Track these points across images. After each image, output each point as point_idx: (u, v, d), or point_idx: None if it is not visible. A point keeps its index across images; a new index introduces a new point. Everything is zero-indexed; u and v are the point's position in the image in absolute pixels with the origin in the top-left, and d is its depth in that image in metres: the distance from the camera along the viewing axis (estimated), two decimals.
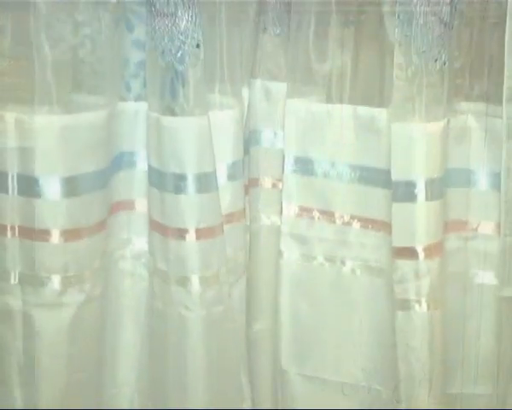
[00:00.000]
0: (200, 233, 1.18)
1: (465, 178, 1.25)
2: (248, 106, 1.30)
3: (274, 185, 1.35)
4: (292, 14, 1.26)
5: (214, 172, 1.18)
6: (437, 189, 1.17)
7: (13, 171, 1.12)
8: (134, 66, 1.23)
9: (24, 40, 1.10)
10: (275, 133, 1.34)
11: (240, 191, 1.27)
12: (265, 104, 1.33)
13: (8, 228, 1.14)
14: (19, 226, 1.13)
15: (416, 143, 1.16)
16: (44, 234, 1.12)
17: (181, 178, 1.16)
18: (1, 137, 1.11)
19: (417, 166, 1.16)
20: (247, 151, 1.31)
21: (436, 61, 1.14)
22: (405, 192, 1.17)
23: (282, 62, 1.33)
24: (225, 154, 1.22)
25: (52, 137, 1.11)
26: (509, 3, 1.13)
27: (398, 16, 1.14)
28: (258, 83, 1.32)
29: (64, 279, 1.15)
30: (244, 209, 1.29)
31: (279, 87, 1.32)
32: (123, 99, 1.22)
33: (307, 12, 1.25)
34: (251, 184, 1.34)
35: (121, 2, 1.17)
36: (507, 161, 1.18)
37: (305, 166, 1.30)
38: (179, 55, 1.14)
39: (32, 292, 1.14)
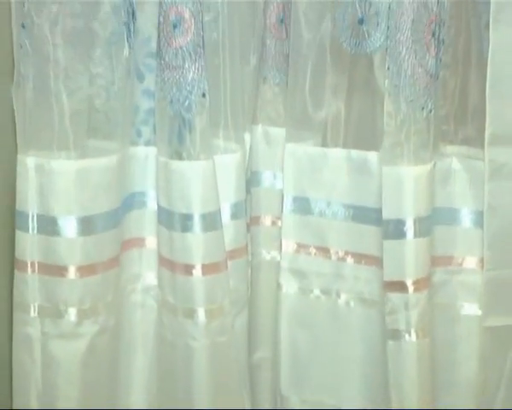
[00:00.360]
0: (205, 269, 1.20)
1: (451, 216, 1.26)
2: (250, 149, 1.32)
3: (273, 223, 1.37)
4: (290, 65, 1.29)
5: (219, 211, 1.20)
6: (425, 227, 1.19)
7: (33, 211, 1.15)
8: (144, 113, 1.26)
9: (44, 90, 1.13)
10: (274, 175, 1.36)
11: (242, 229, 1.28)
12: (266, 148, 1.36)
13: (29, 264, 1.15)
14: (38, 262, 1.15)
15: (405, 185, 1.17)
16: (62, 270, 1.15)
17: (188, 217, 1.18)
18: (23, 179, 1.14)
19: (406, 206, 1.18)
20: (248, 191, 1.33)
21: (423, 109, 1.16)
22: (395, 230, 1.18)
23: (281, 109, 1.36)
24: (229, 194, 1.24)
25: (69, 180, 1.13)
26: (489, 55, 1.16)
27: (388, 68, 1.16)
28: (259, 128, 1.35)
29: (80, 311, 1.16)
30: (246, 246, 1.30)
31: (278, 132, 1.34)
32: (134, 144, 1.25)
33: (304, 63, 1.28)
34: (252, 222, 1.36)
35: (133, 55, 1.19)
36: (489, 201, 1.20)
37: (302, 205, 1.32)
38: (186, 104, 1.16)
39: (50, 323, 1.16)
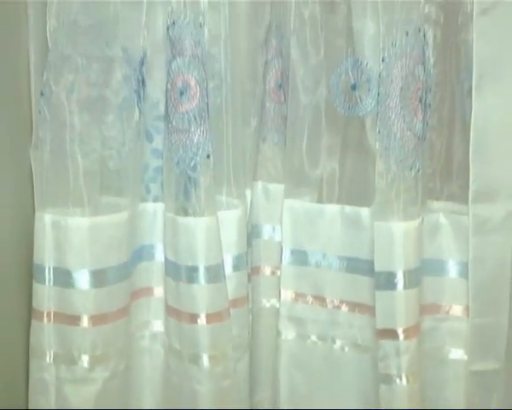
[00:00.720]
0: (209, 318, 1.21)
1: (438, 267, 1.28)
2: (251, 204, 1.34)
3: (273, 273, 1.39)
4: (288, 127, 1.32)
5: (222, 264, 1.22)
6: (414, 278, 1.20)
7: (49, 264, 1.17)
8: (153, 171, 1.29)
9: (60, 152, 1.16)
10: (273, 228, 1.38)
11: (244, 280, 1.30)
12: (265, 203, 1.38)
13: (45, 314, 1.18)
14: (54, 312, 1.18)
15: (395, 239, 1.19)
16: (75, 319, 1.17)
17: (193, 269, 1.20)
18: (40, 235, 1.17)
19: (397, 259, 1.20)
20: (249, 243, 1.34)
21: (411, 169, 1.18)
22: (386, 281, 1.20)
23: (279, 166, 1.38)
24: (231, 247, 1.26)
25: (83, 235, 1.16)
26: (472, 120, 1.19)
27: (379, 131, 1.19)
28: (259, 184, 1.38)
29: (92, 358, 1.18)
30: (247, 295, 1.32)
31: (277, 188, 1.37)
32: (143, 200, 1.28)
33: (301, 125, 1.31)
34: (253, 272, 1.38)
35: (142, 118, 1.22)
36: (473, 254, 1.22)
37: (300, 257, 1.34)
38: (192, 164, 1.19)
39: (64, 369, 1.18)
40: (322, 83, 1.29)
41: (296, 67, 1.29)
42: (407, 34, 1.16)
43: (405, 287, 1.20)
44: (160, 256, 1.28)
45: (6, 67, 1.14)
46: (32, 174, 1.17)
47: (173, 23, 1.17)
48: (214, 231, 1.21)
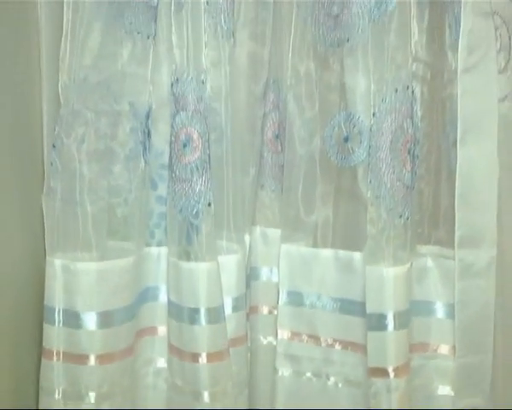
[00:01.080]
0: (210, 357, 1.21)
1: (426, 308, 1.29)
2: (250, 248, 1.35)
3: (270, 312, 1.40)
4: (284, 175, 1.33)
5: (222, 306, 1.23)
6: (403, 319, 1.21)
7: (59, 306, 1.18)
8: (157, 217, 1.30)
9: (70, 200, 1.18)
10: (271, 270, 1.39)
11: (243, 320, 1.30)
12: (263, 247, 1.40)
13: (54, 353, 1.18)
14: (63, 352, 1.18)
15: (385, 283, 1.20)
16: (83, 358, 1.17)
17: (195, 311, 1.21)
18: (50, 278, 1.17)
19: (387, 302, 1.20)
20: (248, 284, 1.35)
21: (401, 217, 1.19)
22: (378, 323, 1.20)
23: (276, 212, 1.39)
24: (231, 290, 1.27)
25: (91, 279, 1.17)
26: (457, 170, 1.21)
27: (370, 181, 1.20)
28: (257, 229, 1.39)
29: (98, 395, 1.18)
30: (246, 334, 1.32)
31: (274, 233, 1.37)
32: (148, 244, 1.28)
33: (297, 173, 1.33)
34: (251, 311, 1.38)
35: (148, 167, 1.24)
36: (459, 297, 1.24)
37: (295, 298, 1.34)
38: (194, 212, 1.20)
39: (72, 405, 1.18)
40: (317, 135, 1.31)
41: (292, 120, 1.31)
42: (396, 91, 1.18)
43: (396, 328, 1.21)
44: (163, 297, 1.29)
45: (21, 121, 1.17)
46: (43, 221, 1.19)
47: (177, 80, 1.19)
48: (215, 275, 1.22)
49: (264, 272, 1.41)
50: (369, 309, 1.22)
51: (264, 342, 1.41)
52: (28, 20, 1.19)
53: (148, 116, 1.22)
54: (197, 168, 1.20)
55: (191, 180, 1.20)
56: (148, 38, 1.21)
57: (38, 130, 1.21)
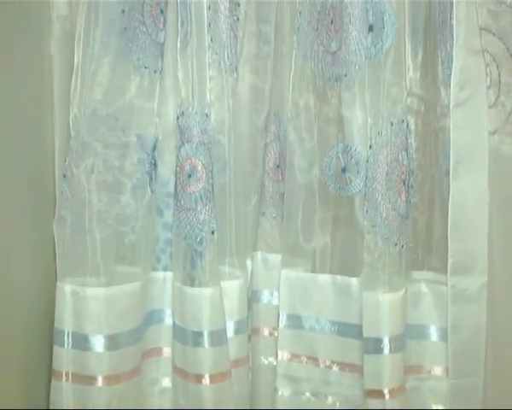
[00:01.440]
0: (213, 378, 1.22)
1: (420, 332, 1.29)
2: (251, 272, 1.35)
3: (271, 333, 1.40)
4: (285, 203, 1.34)
5: (225, 329, 1.23)
6: (399, 343, 1.21)
7: (68, 329, 1.17)
8: (163, 243, 1.30)
9: (80, 228, 1.18)
10: (272, 293, 1.39)
11: (244, 342, 1.30)
12: (264, 271, 1.40)
13: (64, 374, 1.18)
14: (72, 373, 1.18)
15: (381, 309, 1.20)
16: (91, 379, 1.17)
17: (198, 334, 1.21)
18: (60, 303, 1.18)
19: (383, 327, 1.20)
20: (250, 307, 1.35)
21: (396, 245, 1.20)
22: (374, 347, 1.20)
23: (277, 238, 1.40)
24: (233, 313, 1.27)
25: (99, 304, 1.17)
26: (450, 199, 1.21)
27: (367, 211, 1.21)
28: (259, 254, 1.39)
29: None
30: (248, 355, 1.32)
31: (275, 258, 1.38)
32: (154, 269, 1.29)
33: (296, 202, 1.33)
34: (253, 332, 1.38)
35: (154, 196, 1.24)
36: (452, 321, 1.24)
37: (295, 321, 1.34)
38: (198, 239, 1.20)
39: None
40: (316, 165, 1.31)
41: (292, 151, 1.32)
42: (392, 125, 1.19)
43: (391, 351, 1.21)
44: (168, 320, 1.29)
45: (34, 153, 1.19)
46: (54, 248, 1.19)
47: (182, 113, 1.20)
48: (218, 300, 1.22)
49: (266, 296, 1.41)
50: (366, 333, 1.22)
51: (265, 362, 1.41)
52: (42, 56, 1.21)
53: (154, 148, 1.23)
54: (201, 198, 1.20)
55: (195, 209, 1.20)
56: (155, 72, 1.21)
57: (50, 161, 1.21)
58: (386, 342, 1.20)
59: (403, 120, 1.19)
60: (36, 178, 1.18)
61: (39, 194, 1.19)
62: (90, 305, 1.17)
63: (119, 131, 1.19)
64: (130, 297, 1.20)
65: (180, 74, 1.20)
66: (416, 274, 1.30)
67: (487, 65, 1.16)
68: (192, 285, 1.21)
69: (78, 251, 1.18)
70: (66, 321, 1.17)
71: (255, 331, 1.40)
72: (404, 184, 1.21)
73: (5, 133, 1.07)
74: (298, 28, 1.28)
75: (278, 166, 1.38)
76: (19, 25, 1.11)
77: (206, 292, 1.21)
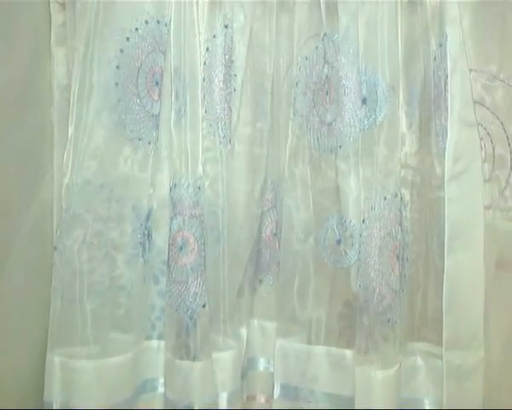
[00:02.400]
0: None
1: (415, 405, 1.21)
2: (247, 339, 1.28)
3: (267, 401, 1.31)
4: (280, 272, 1.26)
5: (216, 402, 1.17)
6: None
7: (57, 402, 1.11)
8: (158, 311, 1.23)
9: (70, 299, 1.14)
10: (268, 360, 1.31)
11: None
12: (261, 338, 1.31)
13: None
14: None
15: (374, 385, 1.13)
16: None
17: (189, 407, 1.14)
18: (49, 375, 1.11)
19: (375, 402, 1.13)
20: (245, 374, 1.28)
21: (389, 321, 1.13)
22: None
23: (273, 305, 1.31)
24: (225, 385, 1.19)
25: (88, 377, 1.10)
26: (445, 273, 1.13)
27: (360, 285, 1.15)
28: (255, 322, 1.31)
29: None
30: None
31: (271, 326, 1.30)
32: (149, 337, 1.21)
33: (292, 272, 1.26)
34: (249, 399, 1.30)
35: (148, 265, 1.18)
36: (446, 397, 1.15)
37: (290, 391, 1.26)
38: (189, 313, 1.14)
39: None
40: (312, 236, 1.24)
41: (288, 220, 1.24)
42: (385, 199, 1.12)
43: None
44: (161, 389, 1.21)
45: (33, 224, 1.15)
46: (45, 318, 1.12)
47: (175, 185, 1.14)
48: (208, 373, 1.15)
49: (262, 363, 1.32)
50: (358, 407, 1.14)
51: None
52: (44, 126, 1.18)
53: (148, 218, 1.16)
54: (192, 271, 1.14)
55: (186, 282, 1.14)
56: (149, 144, 1.14)
57: (49, 232, 1.17)
58: None
59: (396, 194, 1.12)
60: (36, 251, 1.15)
61: (40, 266, 1.16)
62: (78, 378, 1.09)
63: (114, 202, 1.13)
64: (123, 368, 1.13)
65: (173, 146, 1.14)
66: (412, 346, 1.22)
67: (481, 139, 1.07)
68: (181, 359, 1.14)
69: (67, 322, 1.11)
70: (54, 394, 1.10)
71: (251, 398, 1.31)
72: (397, 258, 1.13)
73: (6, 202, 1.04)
74: (294, 99, 1.22)
75: (275, 235, 1.30)
76: (23, 101, 1.10)
77: (197, 365, 1.13)
